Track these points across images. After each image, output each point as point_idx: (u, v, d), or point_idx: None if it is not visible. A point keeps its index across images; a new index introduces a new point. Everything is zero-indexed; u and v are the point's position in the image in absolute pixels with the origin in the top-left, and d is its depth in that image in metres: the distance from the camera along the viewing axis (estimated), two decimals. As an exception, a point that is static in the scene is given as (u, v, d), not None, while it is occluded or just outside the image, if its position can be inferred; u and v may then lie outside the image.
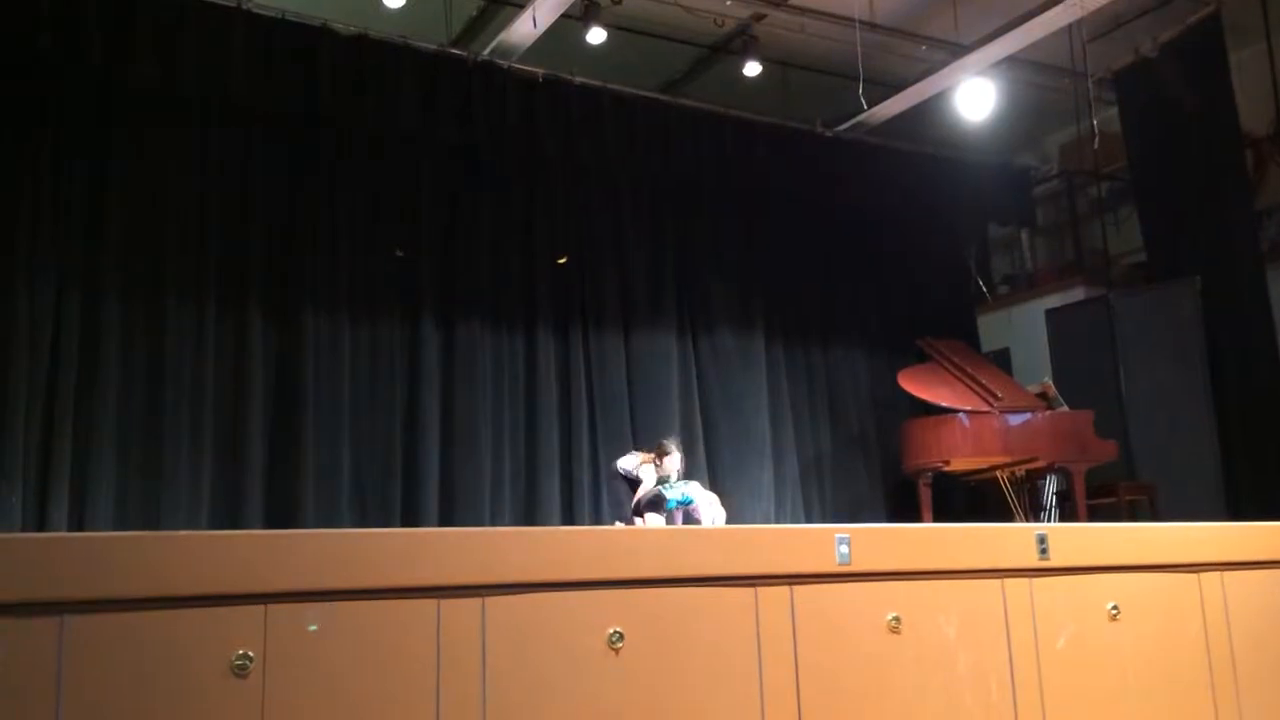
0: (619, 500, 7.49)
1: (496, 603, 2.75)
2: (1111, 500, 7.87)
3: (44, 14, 6.37)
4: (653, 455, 7.18)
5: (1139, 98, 9.02)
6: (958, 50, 8.39)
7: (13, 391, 6.19)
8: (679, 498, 7.04)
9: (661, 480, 7.06)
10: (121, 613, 2.38)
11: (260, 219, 7.20)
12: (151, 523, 6.38)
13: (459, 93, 7.65)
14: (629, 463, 7.26)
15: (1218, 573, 3.93)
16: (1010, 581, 3.51)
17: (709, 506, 7.07)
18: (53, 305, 6.44)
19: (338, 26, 7.27)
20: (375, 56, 7.36)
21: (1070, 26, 8.12)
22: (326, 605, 2.57)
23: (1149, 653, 3.69)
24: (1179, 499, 7.81)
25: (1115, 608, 3.67)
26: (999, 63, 8.36)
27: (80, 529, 6.13)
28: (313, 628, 2.55)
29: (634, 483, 7.16)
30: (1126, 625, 3.66)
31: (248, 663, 2.46)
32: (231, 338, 6.97)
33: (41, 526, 6.11)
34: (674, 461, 7.15)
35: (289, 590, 2.54)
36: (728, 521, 7.50)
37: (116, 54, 6.59)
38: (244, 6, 6.98)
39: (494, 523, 7.40)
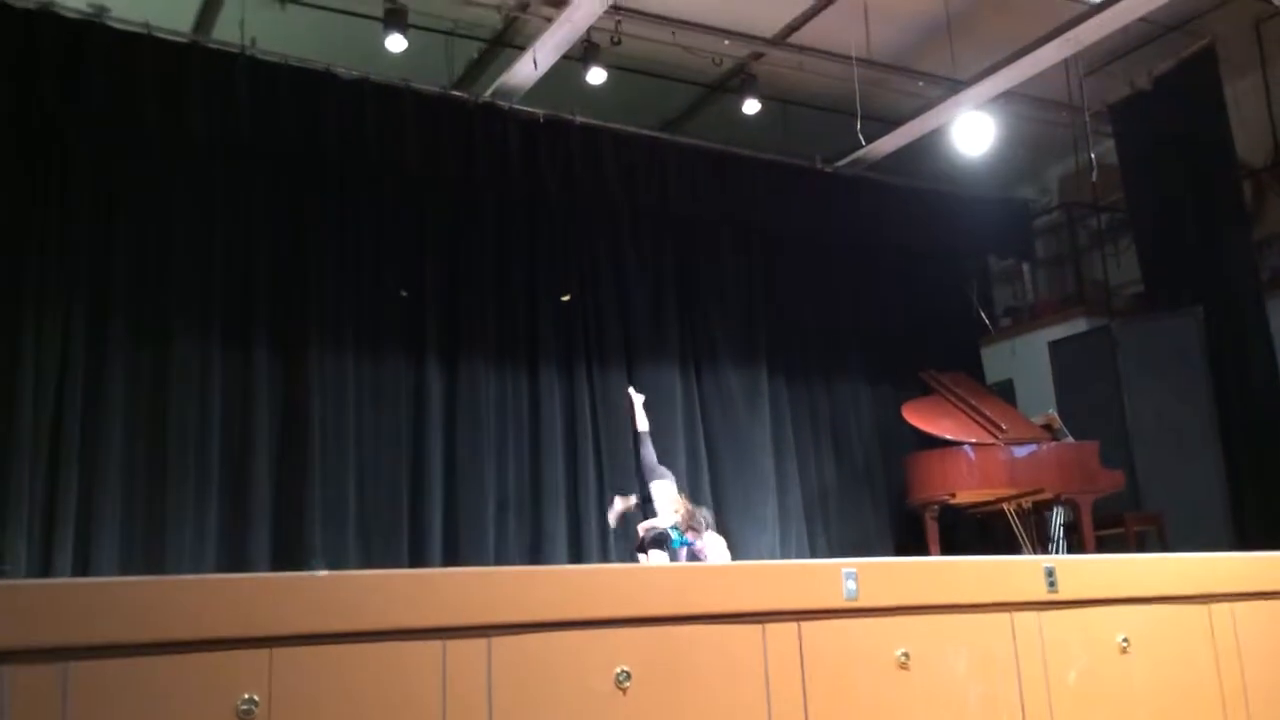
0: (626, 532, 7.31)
1: (503, 643, 2.73)
2: (1119, 531, 7.84)
3: (51, 57, 6.45)
4: (683, 510, 6.84)
5: (1136, 130, 9.08)
6: (955, 86, 8.47)
7: (18, 434, 6.20)
8: (684, 537, 6.96)
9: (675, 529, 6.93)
10: (126, 658, 2.37)
11: (265, 259, 7.25)
12: (157, 565, 6.36)
13: (461, 134, 7.72)
14: (661, 491, 6.89)
15: (1228, 603, 3.90)
16: (1019, 615, 3.49)
17: (715, 548, 7.00)
18: (58, 346, 6.46)
19: (340, 71, 7.34)
20: (378, 99, 7.43)
21: (1066, 61, 8.21)
22: (332, 648, 2.56)
23: (1160, 685, 3.65)
24: (1186, 528, 7.77)
25: (1125, 640, 3.64)
26: (996, 97, 8.43)
27: (85, 573, 6.11)
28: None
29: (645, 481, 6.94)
30: (1137, 658, 3.63)
31: (253, 707, 2.44)
32: (237, 378, 6.98)
33: (46, 571, 6.09)
34: (694, 535, 6.80)
35: (294, 634, 2.53)
36: (734, 557, 7.45)
37: (123, 97, 6.67)
38: (248, 52, 7.06)
39: (500, 560, 7.38)
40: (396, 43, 7.15)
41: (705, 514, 7.01)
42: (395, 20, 7.08)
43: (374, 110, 7.39)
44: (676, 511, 6.90)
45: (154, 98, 6.73)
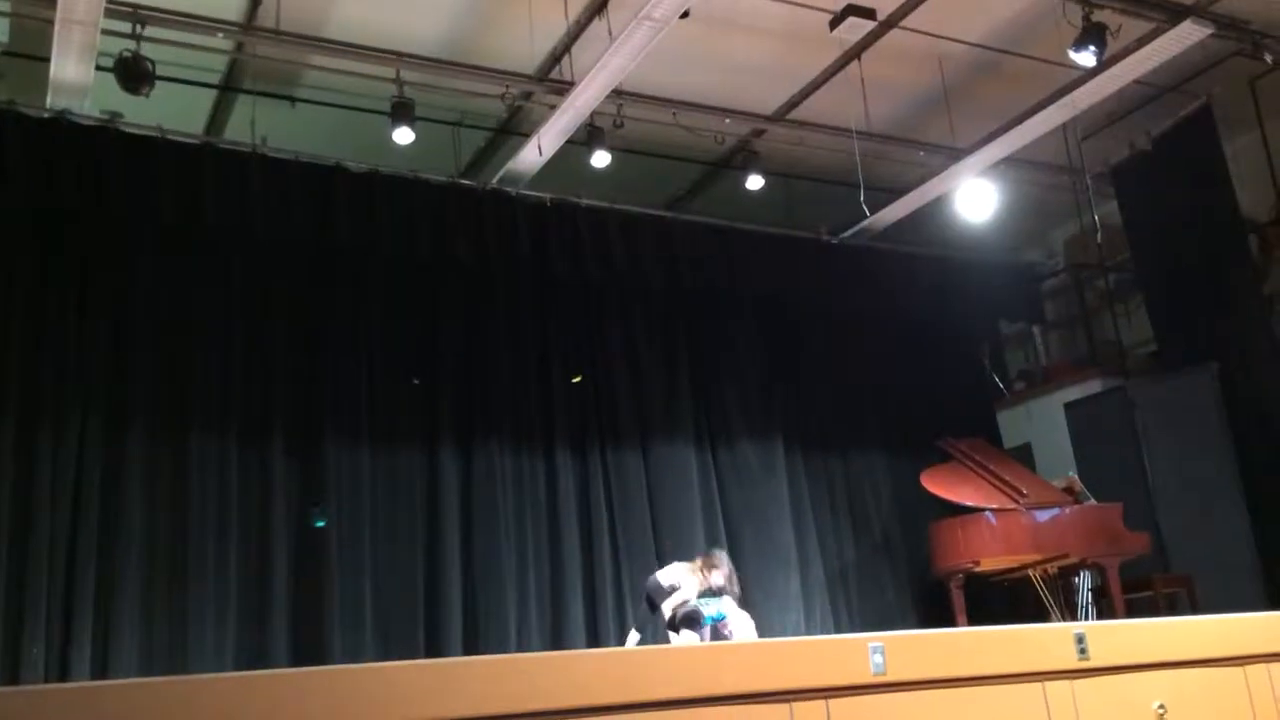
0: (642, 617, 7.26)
1: (527, 732, 2.69)
2: (1148, 594, 7.71)
3: (68, 162, 6.60)
4: (699, 565, 7.00)
5: (1138, 190, 9.14)
6: (955, 154, 8.56)
7: (36, 536, 6.21)
8: (714, 614, 6.89)
9: (706, 593, 6.88)
10: (147, 761, 2.34)
11: (280, 352, 7.31)
12: (178, 664, 6.31)
13: (471, 220, 7.82)
14: (671, 576, 6.96)
15: (1264, 665, 3.82)
16: (1051, 684, 3.41)
17: (742, 625, 6.92)
18: (75, 447, 6.51)
19: (350, 164, 7.48)
20: (388, 190, 7.56)
21: (1064, 125, 8.31)
22: (355, 743, 2.52)
23: (1201, 752, 3.56)
24: (1216, 588, 7.65)
25: (1162, 707, 3.56)
26: (997, 164, 8.52)
27: (104, 674, 6.06)
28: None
29: (654, 602, 6.95)
30: (1175, 724, 3.55)
31: (276, 807, 2.40)
32: (253, 474, 7.00)
33: (64, 676, 6.04)
34: (720, 575, 6.97)
35: (317, 729, 2.49)
36: (757, 634, 7.36)
37: (138, 197, 6.80)
38: (259, 150, 7.20)
39: (520, 646, 7.30)
40: (404, 135, 7.30)
41: (721, 559, 6.95)
42: (402, 113, 7.24)
43: (384, 201, 7.51)
44: (694, 572, 6.86)
45: (169, 197, 6.86)
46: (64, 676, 6.03)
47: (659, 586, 6.96)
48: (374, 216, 7.46)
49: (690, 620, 6.83)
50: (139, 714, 2.39)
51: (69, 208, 6.67)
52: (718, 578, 6.96)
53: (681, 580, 6.94)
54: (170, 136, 6.97)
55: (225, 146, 7.29)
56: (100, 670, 6.16)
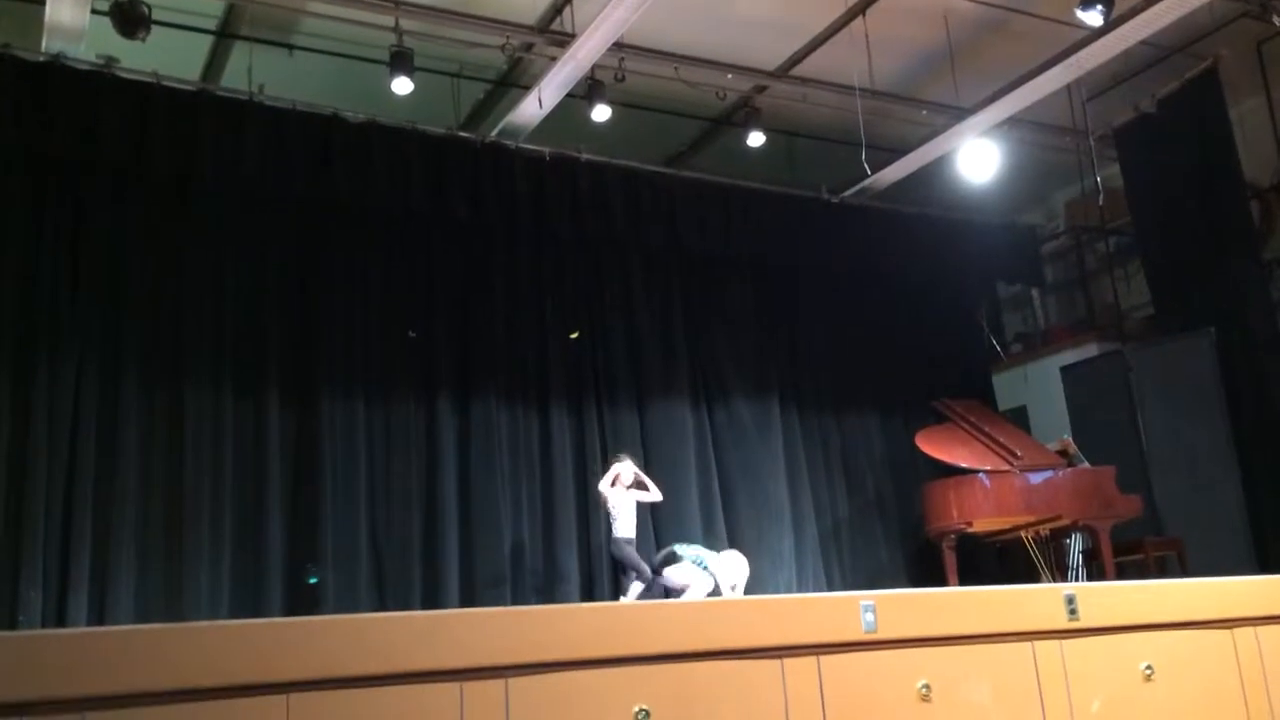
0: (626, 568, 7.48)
1: (520, 683, 2.72)
2: (1139, 557, 7.76)
3: (63, 107, 6.53)
4: (611, 478, 7.37)
5: (1141, 153, 9.08)
6: (959, 113, 8.49)
7: (32, 484, 6.22)
8: (693, 558, 7.23)
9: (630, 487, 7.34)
10: (143, 707, 2.36)
11: (275, 303, 7.28)
12: (173, 613, 6.35)
13: (468, 174, 7.77)
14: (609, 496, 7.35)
15: (1252, 628, 3.86)
16: (1040, 644, 3.45)
17: (727, 566, 7.31)
18: (71, 397, 6.50)
19: (348, 114, 7.41)
20: (385, 141, 7.49)
21: (1069, 86, 8.23)
22: (349, 692, 2.54)
23: (1186, 713, 3.60)
24: (1206, 552, 7.70)
25: (1149, 668, 3.59)
26: (1000, 124, 8.46)
27: (101, 622, 6.10)
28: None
29: (626, 552, 7.26)
30: (1161, 685, 3.59)
31: (271, 754, 2.43)
32: (249, 425, 7.00)
33: (62, 621, 6.08)
34: (628, 469, 7.37)
35: (311, 679, 2.51)
36: (750, 591, 7.46)
37: (134, 145, 6.74)
38: (255, 99, 7.13)
39: (516, 600, 7.35)
40: (403, 85, 7.23)
41: (622, 456, 7.50)
42: (401, 63, 7.16)
43: (382, 152, 7.45)
44: (611, 488, 7.29)
45: (165, 145, 6.80)
46: (61, 622, 6.07)
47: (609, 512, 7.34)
48: (371, 167, 7.41)
49: (668, 560, 7.27)
50: (137, 660, 2.41)
51: (63, 154, 6.61)
52: (626, 473, 7.35)
53: (615, 504, 7.28)
54: (166, 83, 6.89)
55: (222, 94, 7.22)
56: (97, 616, 6.20)
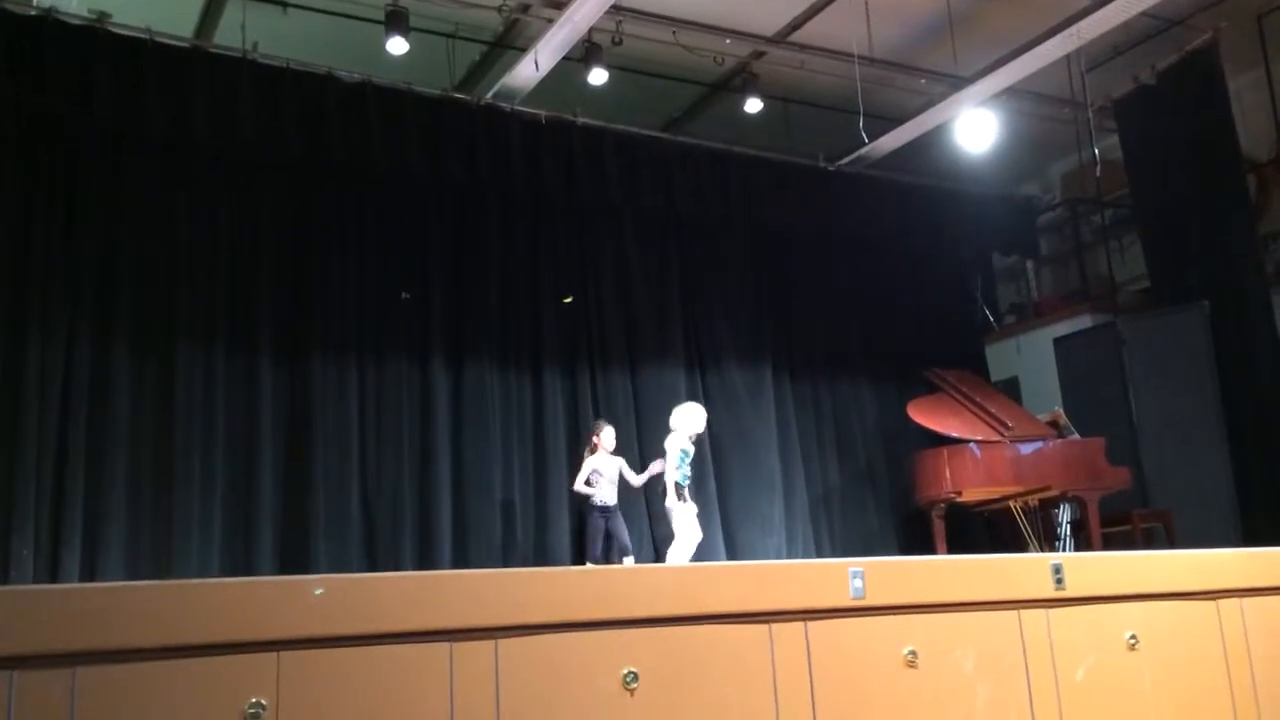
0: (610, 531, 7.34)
1: (510, 645, 2.73)
2: (1126, 528, 7.82)
3: (55, 63, 6.46)
4: (591, 445, 7.30)
5: (1139, 125, 9.06)
6: (957, 82, 8.45)
7: (23, 441, 6.21)
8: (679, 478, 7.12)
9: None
10: (133, 663, 2.37)
11: (268, 263, 7.25)
12: (163, 570, 6.37)
13: (463, 136, 7.72)
14: (585, 471, 7.24)
15: (1236, 599, 3.89)
16: (1027, 613, 3.48)
17: (685, 420, 7.32)
18: (63, 353, 6.48)
19: (342, 74, 7.35)
20: (380, 102, 7.43)
21: (1069, 56, 8.19)
22: (340, 651, 2.56)
23: (1169, 682, 3.64)
24: (1194, 525, 7.75)
25: (1134, 637, 3.63)
26: (999, 94, 8.42)
27: (92, 578, 6.12)
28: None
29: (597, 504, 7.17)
30: (1146, 655, 3.62)
31: (261, 710, 2.44)
32: (241, 383, 6.99)
33: (54, 577, 6.10)
34: (610, 436, 7.28)
35: (301, 637, 2.53)
36: (740, 557, 7.49)
37: (126, 102, 6.68)
38: (249, 57, 7.06)
39: (507, 562, 7.38)
40: (398, 45, 7.16)
41: (601, 424, 7.43)
42: (396, 23, 7.08)
43: (376, 113, 7.39)
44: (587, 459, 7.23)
45: (157, 103, 6.74)
46: (53, 579, 6.09)
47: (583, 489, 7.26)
48: (365, 128, 7.35)
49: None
50: (127, 616, 2.42)
51: (55, 110, 6.55)
52: (608, 438, 7.29)
53: (596, 475, 7.19)
54: (159, 39, 6.82)
55: (215, 52, 7.14)
56: (89, 573, 6.22)
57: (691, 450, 7.24)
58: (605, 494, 7.17)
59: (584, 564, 7.03)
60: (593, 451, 7.29)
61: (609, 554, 7.11)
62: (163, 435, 6.68)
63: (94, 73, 6.57)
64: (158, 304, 6.85)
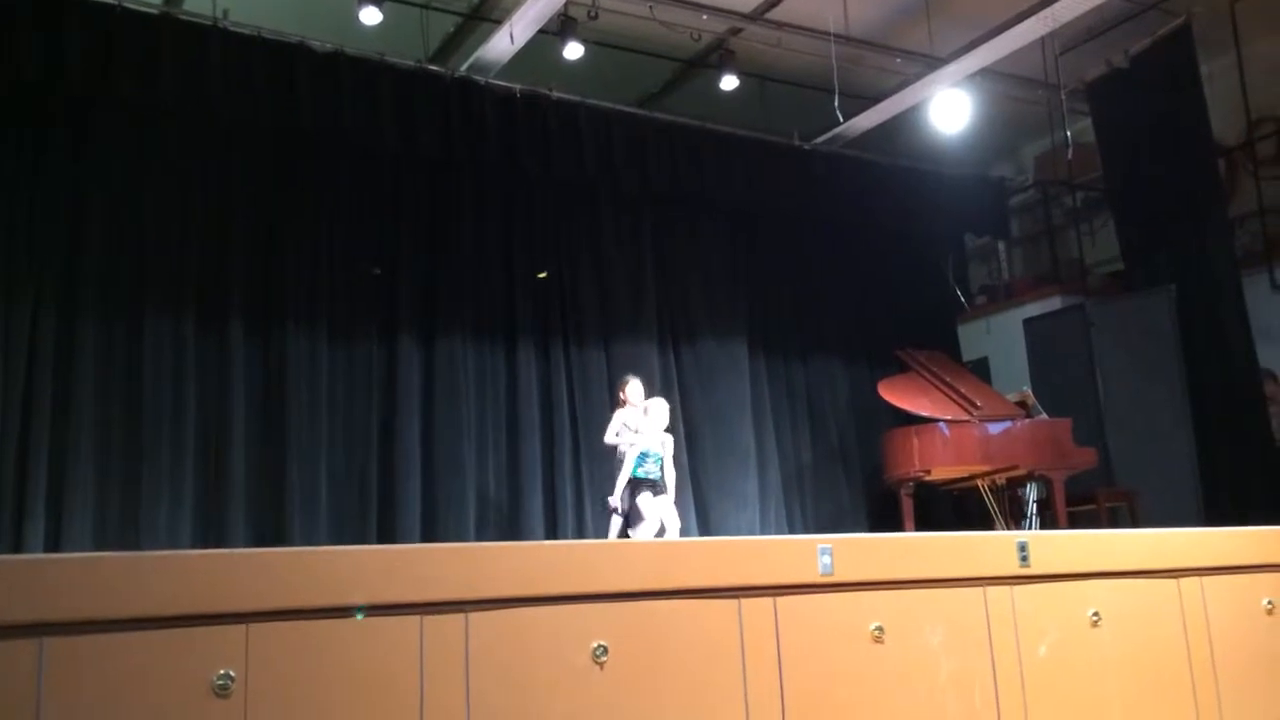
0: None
1: (480, 618, 2.74)
2: (1091, 507, 7.91)
3: (25, 28, 6.35)
4: (620, 400, 6.97)
5: (1112, 108, 9.11)
6: (933, 63, 8.47)
7: (-11, 411, 6.15)
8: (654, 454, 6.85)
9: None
10: (101, 634, 2.36)
11: (238, 235, 7.18)
12: (131, 541, 6.33)
13: (437, 109, 7.65)
14: (615, 427, 6.92)
15: (1197, 578, 3.96)
16: (992, 589, 3.53)
17: (652, 418, 6.90)
18: (28, 323, 6.40)
19: (314, 43, 7.26)
20: (353, 72, 7.35)
21: (1043, 39, 8.22)
22: (309, 624, 2.56)
23: (1130, 659, 3.71)
24: (1157, 505, 7.86)
25: (1096, 614, 3.69)
26: (973, 75, 8.45)
27: (58, 549, 6.08)
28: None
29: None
30: (1107, 631, 3.68)
31: (229, 682, 2.44)
32: (211, 355, 6.94)
33: (18, 547, 6.05)
34: (636, 390, 6.97)
35: (270, 609, 2.53)
36: (712, 532, 7.49)
37: (95, 68, 6.57)
38: (220, 24, 6.97)
39: (478, 537, 7.38)
40: (371, 15, 7.08)
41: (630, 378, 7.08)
42: (370, -9, 7.00)
43: (349, 84, 7.32)
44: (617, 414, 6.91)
45: (126, 69, 6.64)
46: (17, 549, 6.04)
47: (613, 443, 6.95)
48: (337, 99, 7.27)
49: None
50: (95, 587, 2.41)
51: (24, 77, 6.44)
52: (634, 394, 6.97)
53: (623, 428, 6.86)
54: (128, 6, 6.72)
55: (184, 18, 7.04)
56: (54, 544, 6.17)
57: (658, 449, 6.88)
58: (651, 469, 6.79)
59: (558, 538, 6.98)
60: (621, 405, 7.01)
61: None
62: (132, 404, 6.62)
63: (63, 40, 6.45)
64: (126, 274, 6.78)
